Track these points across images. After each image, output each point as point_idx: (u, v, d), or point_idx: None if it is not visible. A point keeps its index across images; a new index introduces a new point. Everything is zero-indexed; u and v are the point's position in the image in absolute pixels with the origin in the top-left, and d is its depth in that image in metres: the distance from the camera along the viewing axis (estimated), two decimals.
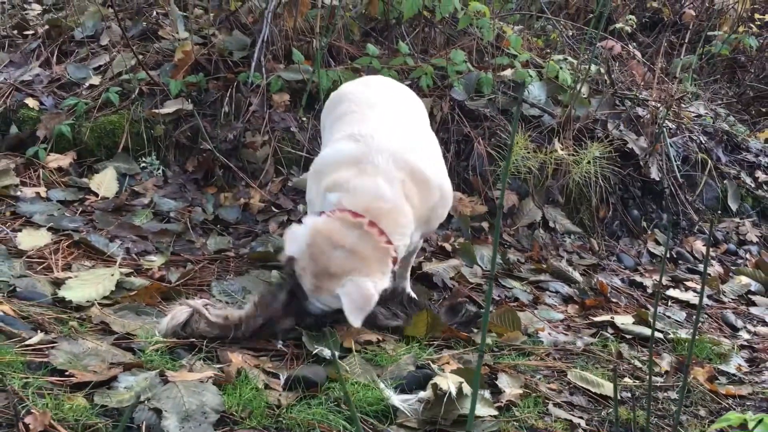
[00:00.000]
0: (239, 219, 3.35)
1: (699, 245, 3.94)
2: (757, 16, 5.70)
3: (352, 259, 2.25)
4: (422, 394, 1.89)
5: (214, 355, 2.06)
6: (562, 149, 3.67)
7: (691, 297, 3.38)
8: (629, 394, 2.17)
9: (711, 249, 3.95)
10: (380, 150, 2.46)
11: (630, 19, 4.20)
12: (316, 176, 2.57)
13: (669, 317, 3.12)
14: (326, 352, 2.11)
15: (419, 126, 2.84)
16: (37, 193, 3.18)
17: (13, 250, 2.68)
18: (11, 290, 2.39)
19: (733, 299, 3.48)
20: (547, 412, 1.98)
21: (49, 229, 2.89)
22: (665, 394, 2.22)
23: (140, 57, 3.79)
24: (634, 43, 5.58)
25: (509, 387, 2.05)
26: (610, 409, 2.04)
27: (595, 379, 2.21)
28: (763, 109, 6.08)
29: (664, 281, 3.52)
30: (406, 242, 2.43)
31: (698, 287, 3.53)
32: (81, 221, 3.05)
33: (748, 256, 3.95)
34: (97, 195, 3.29)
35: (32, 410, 1.53)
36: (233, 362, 1.96)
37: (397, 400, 1.86)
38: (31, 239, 2.77)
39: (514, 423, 1.89)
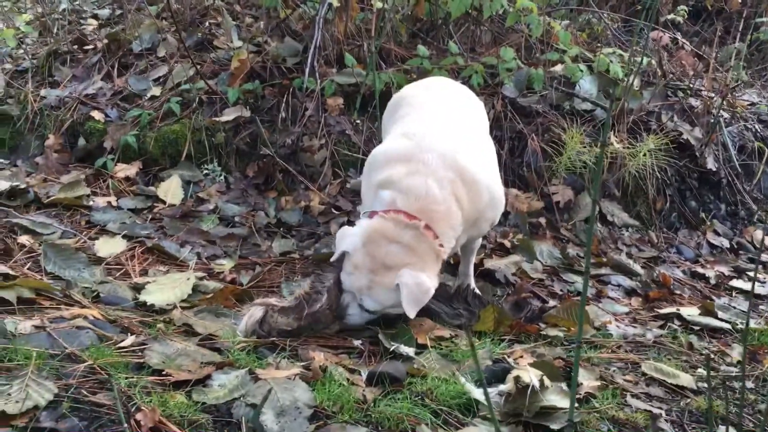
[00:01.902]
0: (301, 221, 3.42)
1: (759, 235, 3.90)
2: None
3: (409, 253, 2.31)
4: (502, 387, 1.93)
5: (295, 354, 2.13)
6: (618, 142, 3.67)
7: (757, 287, 3.35)
8: (704, 385, 2.18)
9: None
10: (430, 149, 2.50)
11: (681, 9, 4.16)
12: (368, 172, 2.64)
13: (734, 308, 3.11)
14: (403, 349, 2.16)
15: (475, 129, 2.85)
16: (108, 202, 3.30)
17: (93, 257, 2.79)
18: (95, 295, 2.49)
19: None
20: (626, 403, 2.01)
21: (124, 236, 3.00)
22: (740, 384, 2.21)
23: (198, 67, 3.90)
24: (679, 33, 5.54)
25: (586, 379, 2.07)
26: (689, 400, 2.06)
27: (670, 370, 2.22)
28: None
29: (727, 272, 3.50)
30: (452, 244, 2.46)
31: (761, 277, 3.50)
32: (152, 228, 3.16)
33: None
34: (164, 202, 3.40)
35: (141, 407, 1.62)
36: (315, 359, 2.03)
37: (478, 393, 1.91)
38: (108, 246, 2.88)
39: (595, 414, 1.91)
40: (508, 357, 2.19)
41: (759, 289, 3.37)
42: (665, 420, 1.91)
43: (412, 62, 4.04)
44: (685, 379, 2.18)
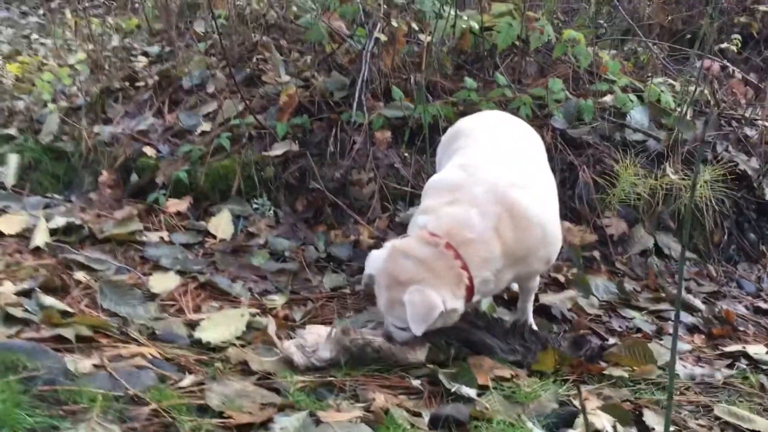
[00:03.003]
0: (351, 256, 3.39)
1: None
2: None
3: (421, 269, 2.29)
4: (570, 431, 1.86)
5: (355, 395, 2.08)
6: (673, 173, 3.59)
7: None
8: None
9: None
10: (481, 181, 2.47)
11: (735, 38, 4.09)
12: (421, 200, 2.63)
13: None
14: (465, 390, 2.11)
15: (532, 162, 2.79)
16: (161, 238, 3.31)
17: (147, 293, 2.80)
18: (151, 333, 2.49)
19: None
20: None
21: (177, 271, 3.00)
22: None
23: (247, 102, 3.93)
24: (725, 61, 5.44)
25: (657, 423, 1.99)
26: None
27: (744, 414, 2.13)
28: None
29: None
30: (487, 276, 2.39)
31: None
32: (203, 263, 3.16)
33: None
34: (215, 237, 3.41)
35: None
36: (376, 401, 1.98)
37: None
38: (162, 282, 2.89)
39: None
40: (573, 399, 2.12)
41: None
42: None
43: (459, 95, 4.03)
44: (762, 425, 2.08)
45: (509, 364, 2.43)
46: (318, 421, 1.83)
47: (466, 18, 4.18)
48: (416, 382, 2.21)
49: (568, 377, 2.35)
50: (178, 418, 1.74)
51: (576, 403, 2.08)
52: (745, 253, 3.82)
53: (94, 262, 2.98)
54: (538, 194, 2.61)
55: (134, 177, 3.75)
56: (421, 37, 4.18)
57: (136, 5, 6.14)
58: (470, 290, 2.36)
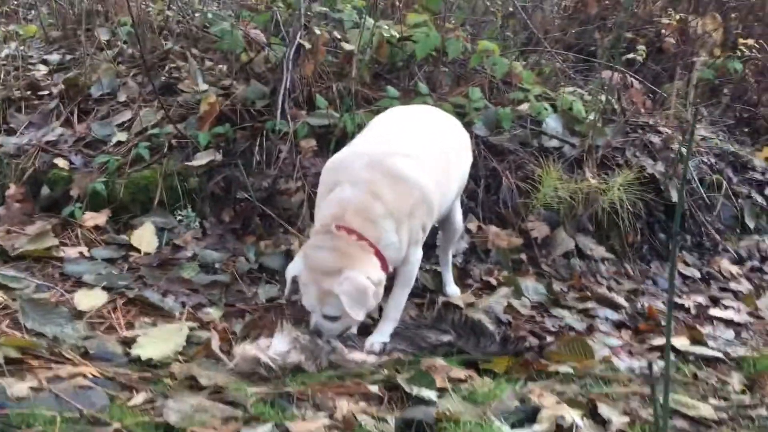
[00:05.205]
0: (284, 266, 3.30)
1: (726, 264, 4.01)
2: (741, 40, 5.90)
3: (337, 255, 2.44)
4: (537, 427, 1.88)
5: (315, 404, 2.03)
6: (592, 178, 3.74)
7: (732, 315, 3.44)
8: (724, 415, 2.19)
9: (738, 266, 4.03)
10: (362, 154, 2.68)
11: (641, 49, 4.33)
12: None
13: (719, 337, 3.17)
14: (425, 393, 2.09)
15: (426, 139, 2.90)
16: (80, 253, 3.13)
17: (73, 311, 2.63)
18: (83, 352, 2.33)
19: None
20: None
21: (103, 288, 2.84)
22: (756, 411, 2.24)
23: (166, 110, 3.78)
24: (627, 72, 5.73)
25: (614, 415, 2.05)
26: (715, 430, 2.06)
27: (689, 401, 2.22)
28: (746, 129, 6.26)
29: (703, 301, 3.58)
30: (387, 239, 2.53)
31: (734, 305, 3.59)
32: (130, 278, 3.00)
33: None
34: (139, 251, 3.24)
35: None
36: (339, 409, 1.94)
37: None
38: (88, 299, 2.73)
39: None
40: (531, 396, 2.15)
41: (734, 316, 3.45)
42: None
43: (382, 103, 4.04)
44: (706, 410, 2.18)
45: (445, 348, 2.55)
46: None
47: (387, 27, 4.21)
48: (374, 388, 2.18)
49: (518, 376, 2.38)
50: None
51: (535, 399, 2.11)
52: (657, 253, 4.02)
53: (10, 280, 2.78)
54: (422, 163, 2.73)
55: (45, 190, 3.52)
56: (344, 45, 4.17)
57: (29, 15, 5.82)
58: (380, 256, 2.51)
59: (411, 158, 2.70)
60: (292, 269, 2.57)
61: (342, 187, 2.58)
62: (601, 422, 2.05)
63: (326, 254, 2.46)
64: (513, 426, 1.92)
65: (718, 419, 2.16)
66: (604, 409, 2.10)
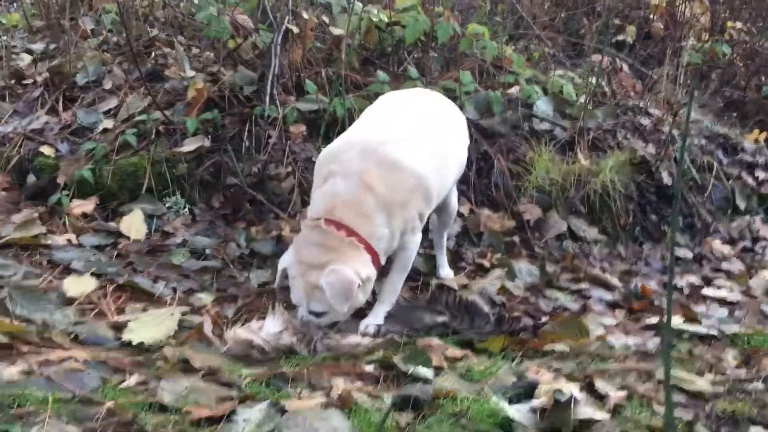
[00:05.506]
0: (275, 251, 3.29)
1: (718, 245, 4.02)
2: (729, 24, 5.91)
3: (325, 250, 2.41)
4: (535, 402, 1.87)
5: (311, 383, 2.01)
6: (585, 160, 3.72)
7: (725, 294, 3.44)
8: (720, 389, 2.18)
9: (729, 247, 4.04)
10: (354, 144, 2.61)
11: (630, 31, 4.32)
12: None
13: (712, 315, 3.17)
14: (422, 371, 2.08)
15: (420, 121, 2.84)
16: (69, 240, 3.08)
17: (63, 297, 2.59)
18: (74, 337, 2.30)
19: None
20: (655, 411, 1.98)
21: (92, 274, 2.80)
22: (752, 385, 2.23)
23: (153, 97, 3.73)
24: (617, 55, 5.74)
25: (612, 390, 2.04)
26: (713, 403, 2.05)
27: (686, 375, 2.22)
28: (735, 113, 6.28)
29: (697, 281, 3.58)
30: (379, 232, 2.49)
31: (727, 284, 3.60)
32: (120, 264, 2.97)
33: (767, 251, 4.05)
34: (128, 238, 3.20)
35: None
36: (336, 387, 1.92)
37: (512, 410, 1.84)
38: (77, 286, 2.68)
39: (631, 424, 1.88)
40: (528, 373, 2.13)
41: (727, 295, 3.46)
42: (702, 425, 1.89)
43: (372, 87, 4.01)
44: (702, 384, 2.18)
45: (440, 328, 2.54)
46: (282, 411, 1.74)
47: (375, 12, 4.17)
48: (369, 368, 2.16)
49: (514, 355, 2.37)
50: (139, 415, 1.60)
51: (532, 375, 2.09)
52: (649, 234, 4.02)
53: None
54: (418, 148, 2.68)
55: (31, 178, 3.47)
56: (332, 30, 4.13)
57: (12, 5, 5.74)
58: (371, 251, 2.46)
59: (406, 144, 2.64)
60: (283, 261, 2.55)
61: (334, 179, 2.53)
62: (599, 397, 2.03)
63: (314, 249, 2.43)
64: (510, 401, 1.90)
65: (715, 393, 2.15)
66: (600, 384, 2.08)
